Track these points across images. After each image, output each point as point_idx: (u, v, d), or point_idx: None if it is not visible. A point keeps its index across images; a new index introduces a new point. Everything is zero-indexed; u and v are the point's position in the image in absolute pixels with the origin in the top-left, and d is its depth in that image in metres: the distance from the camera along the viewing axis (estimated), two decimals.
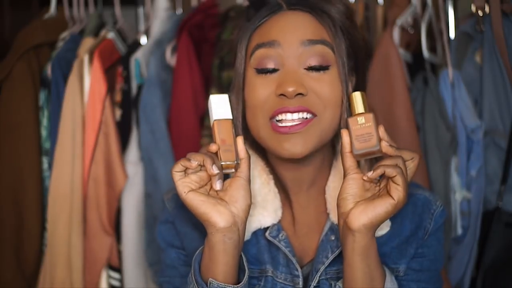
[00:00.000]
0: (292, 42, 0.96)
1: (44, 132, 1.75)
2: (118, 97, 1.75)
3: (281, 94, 0.94)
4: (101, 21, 1.85)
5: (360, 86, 1.05)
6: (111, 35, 1.79)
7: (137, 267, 1.70)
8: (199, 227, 1.00)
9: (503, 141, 1.52)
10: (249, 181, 0.91)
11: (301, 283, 0.99)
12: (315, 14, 0.98)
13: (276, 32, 0.97)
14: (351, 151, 0.90)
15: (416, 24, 1.69)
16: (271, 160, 1.04)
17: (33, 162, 1.73)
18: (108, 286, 1.73)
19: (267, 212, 1.01)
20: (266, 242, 1.02)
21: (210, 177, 0.90)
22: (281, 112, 0.94)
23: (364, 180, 0.89)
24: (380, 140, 0.89)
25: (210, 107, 0.93)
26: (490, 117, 1.54)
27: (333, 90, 0.96)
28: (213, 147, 0.89)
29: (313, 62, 0.96)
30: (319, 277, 0.99)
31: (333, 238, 1.00)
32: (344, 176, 0.90)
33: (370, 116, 0.90)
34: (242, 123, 1.01)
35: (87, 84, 1.71)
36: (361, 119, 0.90)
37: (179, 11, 1.90)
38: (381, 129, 0.90)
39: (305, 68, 0.96)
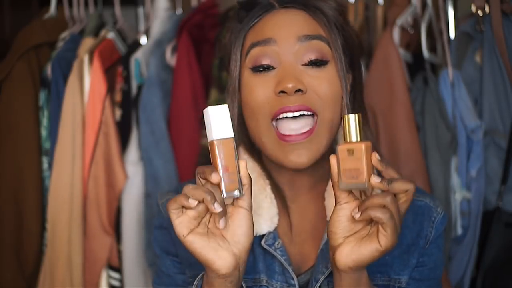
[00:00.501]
0: (288, 39, 0.94)
1: (44, 132, 1.75)
2: (118, 97, 1.75)
3: (281, 91, 0.92)
4: (101, 21, 1.85)
5: (356, 83, 1.04)
6: (111, 35, 1.79)
7: (137, 267, 1.70)
8: None
9: (503, 141, 1.52)
10: (251, 209, 0.86)
11: None
12: (308, 11, 0.97)
13: (271, 30, 0.95)
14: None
15: (416, 24, 1.68)
16: (268, 165, 1.02)
17: (33, 162, 1.73)
18: (108, 286, 1.73)
19: (263, 219, 0.98)
20: (261, 251, 1.00)
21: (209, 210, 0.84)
22: (282, 113, 0.92)
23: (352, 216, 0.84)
24: (370, 175, 0.81)
25: (208, 121, 0.82)
26: (490, 117, 1.54)
27: (332, 87, 0.94)
28: (215, 179, 0.81)
29: (311, 56, 0.94)
30: (319, 287, 0.97)
31: None
32: (335, 204, 0.86)
33: (361, 147, 0.81)
34: (237, 126, 0.99)
35: (87, 84, 1.71)
36: (350, 151, 0.81)
37: (179, 11, 1.90)
38: (374, 158, 0.82)
39: (302, 64, 0.94)
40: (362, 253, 0.83)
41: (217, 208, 0.80)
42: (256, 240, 0.99)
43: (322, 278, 0.97)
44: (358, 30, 1.78)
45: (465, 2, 1.73)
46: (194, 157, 1.68)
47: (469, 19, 1.60)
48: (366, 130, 1.04)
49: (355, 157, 0.81)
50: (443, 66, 1.63)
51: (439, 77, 1.59)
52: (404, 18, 1.64)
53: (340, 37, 0.97)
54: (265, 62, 0.94)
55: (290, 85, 0.91)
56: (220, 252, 0.84)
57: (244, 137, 1.02)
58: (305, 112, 0.93)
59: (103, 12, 1.89)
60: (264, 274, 0.99)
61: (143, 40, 1.81)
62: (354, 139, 0.83)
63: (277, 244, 0.99)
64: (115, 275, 1.73)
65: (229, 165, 0.81)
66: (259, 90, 0.94)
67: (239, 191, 0.82)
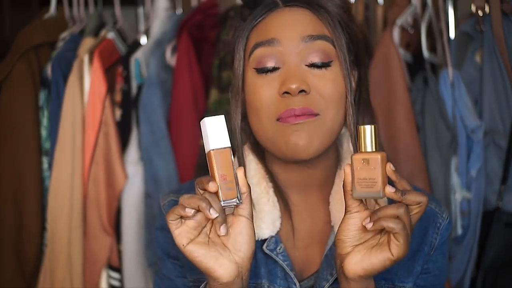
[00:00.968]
0: (292, 39, 0.93)
1: (44, 132, 1.75)
2: (118, 97, 1.75)
3: (285, 92, 0.91)
4: (101, 21, 1.85)
5: (362, 80, 1.03)
6: (111, 35, 1.79)
7: (137, 267, 1.70)
8: None
9: (503, 141, 1.52)
10: (252, 217, 0.86)
11: None
12: (312, 10, 0.96)
13: (275, 30, 0.94)
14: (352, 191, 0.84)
15: (416, 24, 1.68)
16: (271, 166, 1.01)
17: (33, 162, 1.73)
18: (108, 286, 1.73)
19: (264, 224, 0.97)
20: (263, 255, 0.98)
21: (208, 220, 0.84)
22: (287, 116, 0.91)
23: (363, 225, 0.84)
24: (385, 185, 0.82)
25: (205, 132, 0.83)
26: (490, 117, 1.54)
27: (335, 87, 0.93)
28: (212, 188, 0.81)
29: (315, 59, 0.93)
30: None
31: None
32: (345, 213, 0.86)
33: (378, 158, 0.82)
34: (242, 125, 0.98)
35: (87, 84, 1.71)
36: (366, 160, 0.82)
37: (179, 11, 1.90)
38: (389, 169, 0.83)
39: (306, 65, 0.93)
40: (372, 262, 0.83)
41: (213, 214, 0.80)
42: (258, 244, 0.98)
43: (326, 285, 0.96)
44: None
45: (465, 2, 1.73)
46: (194, 157, 1.67)
47: (469, 19, 1.60)
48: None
49: (370, 167, 0.82)
50: (443, 66, 1.63)
51: (439, 77, 1.59)
52: (404, 18, 1.64)
53: (344, 35, 0.96)
54: (270, 64, 0.93)
55: (294, 86, 0.90)
56: (221, 260, 0.83)
57: (249, 136, 1.01)
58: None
59: (103, 12, 1.89)
60: (266, 279, 0.98)
61: (143, 40, 1.81)
62: (369, 149, 0.83)
63: (279, 249, 0.98)
64: (115, 275, 1.73)
65: (226, 174, 0.82)
66: (263, 91, 0.94)
67: (238, 199, 0.83)
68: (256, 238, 0.95)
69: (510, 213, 1.52)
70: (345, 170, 0.85)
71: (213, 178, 0.83)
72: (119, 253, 1.72)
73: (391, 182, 0.84)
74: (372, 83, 1.59)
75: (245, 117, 0.99)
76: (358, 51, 1.00)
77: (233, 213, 0.86)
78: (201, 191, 0.83)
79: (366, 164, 0.82)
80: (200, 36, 1.74)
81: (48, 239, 1.69)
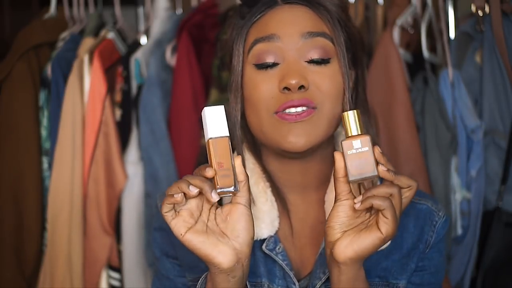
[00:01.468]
0: (291, 35, 0.94)
1: (44, 132, 1.75)
2: (118, 97, 1.75)
3: (285, 88, 0.92)
4: (101, 21, 1.85)
5: (359, 80, 1.04)
6: (111, 35, 1.79)
7: (137, 267, 1.70)
8: None
9: (503, 141, 1.52)
10: (250, 205, 0.86)
11: None
12: (312, 7, 0.96)
13: (274, 26, 0.95)
14: (345, 176, 0.84)
15: (416, 24, 1.68)
16: (268, 165, 1.01)
17: (33, 162, 1.73)
18: (108, 286, 1.73)
19: (264, 223, 0.98)
20: (262, 255, 0.99)
21: (202, 206, 0.85)
22: (285, 108, 0.91)
23: (354, 208, 0.85)
24: (377, 164, 0.83)
25: (204, 121, 0.84)
26: (490, 117, 1.54)
27: (333, 83, 0.94)
28: (209, 173, 0.82)
29: (314, 55, 0.93)
30: None
31: None
32: (335, 201, 0.86)
33: (367, 138, 0.83)
34: (240, 122, 0.98)
35: (87, 84, 1.71)
36: (356, 143, 0.83)
37: (179, 11, 1.90)
38: (377, 151, 0.84)
39: (305, 61, 0.94)
40: (363, 242, 0.83)
41: (193, 190, 0.81)
42: (257, 244, 0.98)
43: (319, 283, 0.96)
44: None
45: (465, 2, 1.73)
46: (194, 157, 1.68)
47: (469, 19, 1.60)
48: (369, 127, 1.04)
49: (361, 148, 0.83)
50: (443, 66, 1.63)
51: (439, 77, 1.59)
52: (404, 18, 1.64)
53: (343, 33, 0.97)
54: (269, 60, 0.94)
55: (293, 82, 0.91)
56: (220, 247, 0.84)
57: (247, 134, 1.01)
58: (306, 108, 0.92)
59: (103, 12, 1.89)
60: (265, 278, 0.98)
61: (143, 40, 1.81)
62: (355, 133, 0.85)
63: (278, 249, 0.98)
64: (115, 275, 1.73)
65: (223, 162, 0.83)
66: (263, 86, 0.94)
67: (235, 186, 0.83)
68: (256, 238, 0.96)
69: (510, 213, 1.52)
70: (336, 157, 0.85)
71: (210, 166, 0.83)
72: (119, 253, 1.72)
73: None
74: (372, 83, 1.59)
75: (244, 115, 0.99)
76: (356, 50, 1.01)
77: (230, 201, 0.86)
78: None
79: (357, 145, 0.83)
80: (200, 36, 1.74)
81: (48, 239, 1.69)
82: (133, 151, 1.72)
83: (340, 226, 0.85)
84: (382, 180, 0.88)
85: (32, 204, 1.72)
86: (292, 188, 1.01)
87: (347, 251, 0.84)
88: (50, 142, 1.73)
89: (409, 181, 0.86)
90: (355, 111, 0.85)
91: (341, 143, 0.85)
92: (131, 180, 1.70)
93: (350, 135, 0.85)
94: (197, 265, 0.98)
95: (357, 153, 0.83)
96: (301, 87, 0.92)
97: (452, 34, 1.67)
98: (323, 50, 0.94)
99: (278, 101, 0.92)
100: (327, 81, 0.94)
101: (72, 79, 1.70)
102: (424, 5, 1.68)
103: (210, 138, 0.83)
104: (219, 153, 0.83)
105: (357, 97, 1.04)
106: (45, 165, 1.74)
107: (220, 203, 0.90)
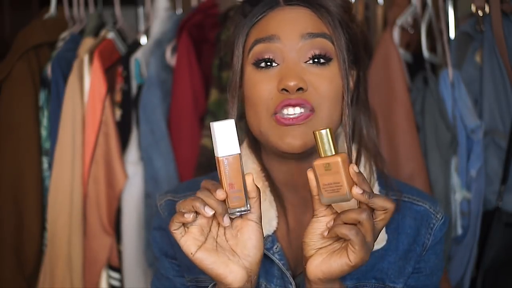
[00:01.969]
0: (292, 36, 0.94)
1: (44, 132, 1.75)
2: (118, 97, 1.75)
3: (283, 89, 0.92)
4: (101, 21, 1.85)
5: (361, 81, 1.04)
6: (111, 35, 1.79)
7: (137, 267, 1.70)
8: None
9: (503, 141, 1.52)
10: (261, 221, 0.86)
11: None
12: (313, 9, 0.96)
13: (275, 27, 0.95)
14: (319, 195, 0.84)
15: (416, 24, 1.68)
16: (267, 163, 1.01)
17: (33, 162, 1.73)
18: (108, 286, 1.73)
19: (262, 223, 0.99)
20: None
21: (211, 222, 0.84)
22: (282, 107, 0.91)
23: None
24: (351, 187, 0.81)
25: (214, 136, 0.82)
26: (490, 117, 1.54)
27: (332, 85, 0.94)
28: (220, 196, 0.81)
29: (316, 51, 0.93)
30: None
31: None
32: (312, 216, 0.86)
33: (338, 161, 0.81)
34: (239, 121, 0.98)
35: (87, 84, 1.71)
36: (327, 166, 0.81)
37: (179, 11, 1.90)
38: (352, 171, 0.82)
39: (305, 62, 0.94)
40: (331, 265, 0.83)
41: (208, 212, 0.81)
42: None
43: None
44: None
45: (465, 2, 1.73)
46: (194, 157, 1.68)
47: (469, 19, 1.60)
48: (369, 127, 1.04)
49: (333, 171, 0.81)
50: (443, 66, 1.63)
51: (439, 77, 1.59)
52: (404, 18, 1.64)
53: (344, 35, 0.97)
54: (267, 56, 0.94)
55: (292, 83, 0.91)
56: (231, 266, 0.83)
57: (249, 134, 1.02)
58: (304, 110, 0.92)
59: (103, 12, 1.89)
60: (263, 278, 0.98)
61: (143, 40, 1.81)
62: (329, 153, 0.83)
63: (276, 248, 0.98)
64: (115, 275, 1.73)
65: (234, 183, 0.81)
66: (262, 85, 0.94)
67: (246, 206, 0.83)
68: None
69: (510, 213, 1.52)
70: (309, 176, 0.85)
71: (221, 185, 0.82)
72: (119, 253, 1.72)
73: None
74: (372, 83, 1.59)
75: (243, 115, 0.99)
76: (358, 51, 1.01)
77: (241, 217, 0.86)
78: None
79: (328, 169, 0.81)
80: (200, 36, 1.74)
81: (48, 239, 1.69)
82: (133, 151, 1.72)
83: (314, 243, 0.85)
84: None
85: (32, 204, 1.72)
86: (290, 188, 1.01)
87: (316, 271, 0.84)
88: (50, 142, 1.73)
89: (386, 203, 0.83)
90: (328, 129, 0.83)
91: (313, 164, 0.83)
92: (131, 180, 1.70)
93: (322, 155, 0.83)
94: (194, 266, 0.98)
95: (329, 176, 0.81)
96: (300, 89, 0.92)
97: (452, 34, 1.67)
98: (323, 50, 0.94)
99: (277, 101, 0.92)
100: (326, 83, 0.93)
101: (72, 79, 1.70)
102: (424, 5, 1.68)
103: (220, 157, 0.81)
104: (230, 174, 0.81)
105: (358, 98, 1.04)
106: (45, 165, 1.75)
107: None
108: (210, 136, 1.62)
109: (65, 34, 1.84)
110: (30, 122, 1.74)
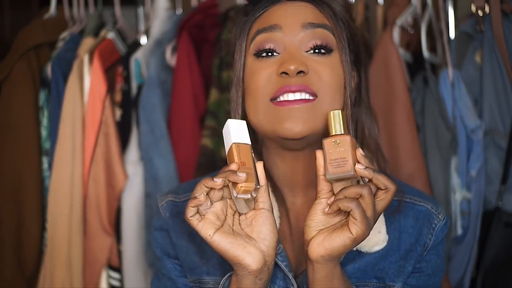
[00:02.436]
0: (293, 25, 0.95)
1: (44, 132, 1.75)
2: (118, 97, 1.75)
3: (283, 72, 0.92)
4: (101, 21, 1.85)
5: (362, 82, 1.04)
6: (111, 35, 1.79)
7: (137, 267, 1.70)
8: (194, 240, 0.98)
9: (503, 141, 1.52)
10: (272, 209, 0.88)
11: None
12: (315, 4, 0.97)
13: (277, 17, 0.96)
14: (325, 174, 0.86)
15: (416, 24, 1.68)
16: (267, 160, 1.01)
17: (33, 162, 1.73)
18: (108, 286, 1.73)
19: None
20: None
21: (226, 211, 0.86)
22: (282, 92, 0.91)
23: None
24: (355, 164, 0.85)
25: (228, 131, 0.88)
26: (490, 117, 1.54)
27: (334, 74, 0.94)
28: (233, 166, 0.84)
29: (317, 42, 0.94)
30: None
31: None
32: (315, 199, 0.88)
33: (347, 139, 0.86)
34: (242, 117, 0.98)
35: (87, 84, 1.71)
36: (336, 142, 0.86)
37: (179, 11, 1.90)
38: (359, 154, 0.86)
39: (307, 51, 0.94)
40: (334, 240, 0.84)
41: (217, 181, 0.82)
42: None
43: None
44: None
45: (465, 2, 1.73)
46: (194, 157, 1.67)
47: (469, 19, 1.60)
48: (372, 128, 1.04)
49: (341, 148, 0.86)
50: (443, 66, 1.63)
51: (439, 77, 1.59)
52: (404, 18, 1.64)
53: (345, 31, 0.97)
54: (268, 46, 0.94)
55: (292, 67, 0.91)
56: (249, 248, 0.85)
57: (250, 133, 1.01)
58: (305, 95, 0.92)
59: (103, 12, 1.89)
60: None
61: (143, 40, 1.81)
62: (339, 132, 0.87)
63: (278, 250, 0.98)
64: (115, 275, 1.73)
65: (246, 162, 0.85)
66: (261, 72, 0.94)
67: (256, 185, 0.85)
68: None
69: (510, 213, 1.52)
70: (317, 154, 0.87)
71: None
72: (119, 253, 1.72)
73: None
74: (372, 83, 1.59)
75: (245, 115, 0.99)
76: (359, 51, 1.01)
77: (254, 208, 0.88)
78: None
79: (336, 145, 0.86)
80: (200, 36, 1.74)
81: (48, 239, 1.69)
82: (133, 151, 1.72)
83: (316, 224, 0.87)
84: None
85: (32, 204, 1.72)
86: (292, 187, 1.01)
87: (318, 249, 0.85)
88: (50, 142, 1.73)
89: (388, 182, 0.86)
90: (340, 111, 0.88)
91: (323, 141, 0.87)
92: (131, 180, 1.70)
93: (332, 133, 0.88)
94: (197, 267, 0.98)
95: (337, 152, 0.86)
96: (301, 72, 0.91)
97: (452, 34, 1.67)
98: (324, 40, 0.95)
99: (276, 85, 0.92)
100: (328, 71, 0.94)
101: (72, 79, 1.70)
102: (424, 5, 1.68)
103: (234, 143, 0.86)
104: (242, 155, 0.86)
105: (359, 99, 1.03)
106: (45, 165, 1.74)
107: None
108: (210, 136, 1.63)
109: (65, 34, 1.84)
110: (30, 122, 1.74)
